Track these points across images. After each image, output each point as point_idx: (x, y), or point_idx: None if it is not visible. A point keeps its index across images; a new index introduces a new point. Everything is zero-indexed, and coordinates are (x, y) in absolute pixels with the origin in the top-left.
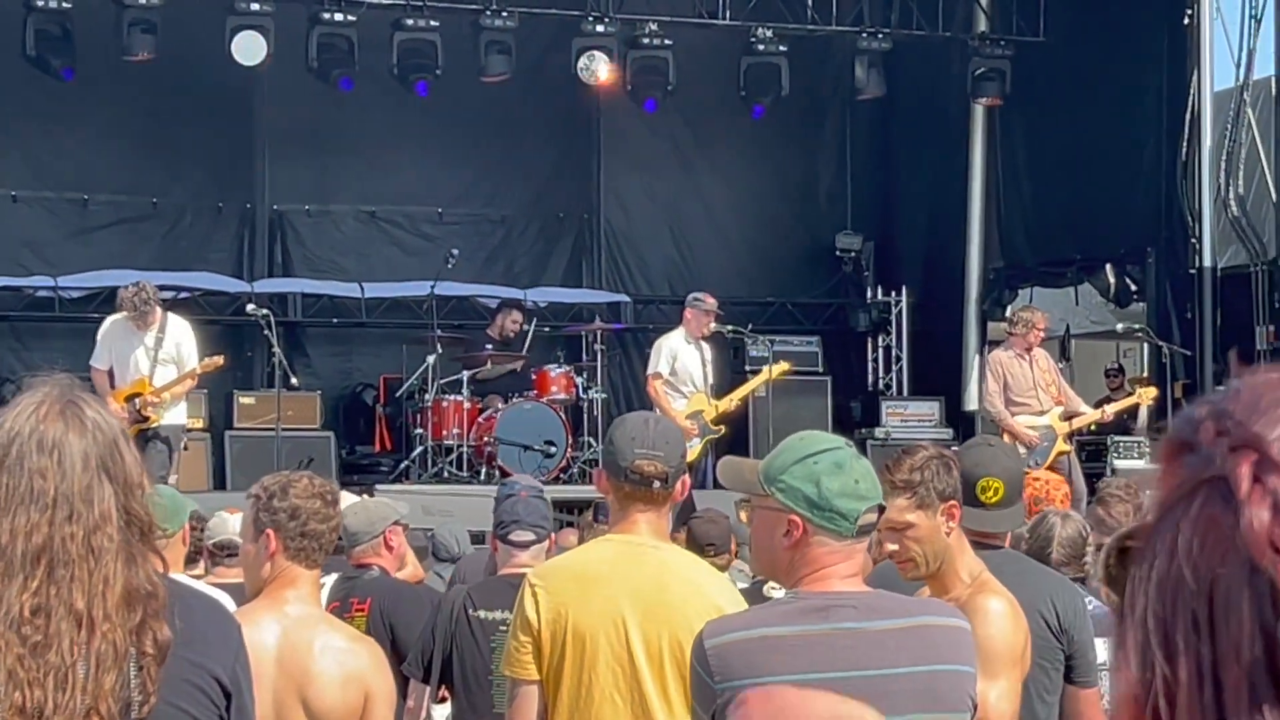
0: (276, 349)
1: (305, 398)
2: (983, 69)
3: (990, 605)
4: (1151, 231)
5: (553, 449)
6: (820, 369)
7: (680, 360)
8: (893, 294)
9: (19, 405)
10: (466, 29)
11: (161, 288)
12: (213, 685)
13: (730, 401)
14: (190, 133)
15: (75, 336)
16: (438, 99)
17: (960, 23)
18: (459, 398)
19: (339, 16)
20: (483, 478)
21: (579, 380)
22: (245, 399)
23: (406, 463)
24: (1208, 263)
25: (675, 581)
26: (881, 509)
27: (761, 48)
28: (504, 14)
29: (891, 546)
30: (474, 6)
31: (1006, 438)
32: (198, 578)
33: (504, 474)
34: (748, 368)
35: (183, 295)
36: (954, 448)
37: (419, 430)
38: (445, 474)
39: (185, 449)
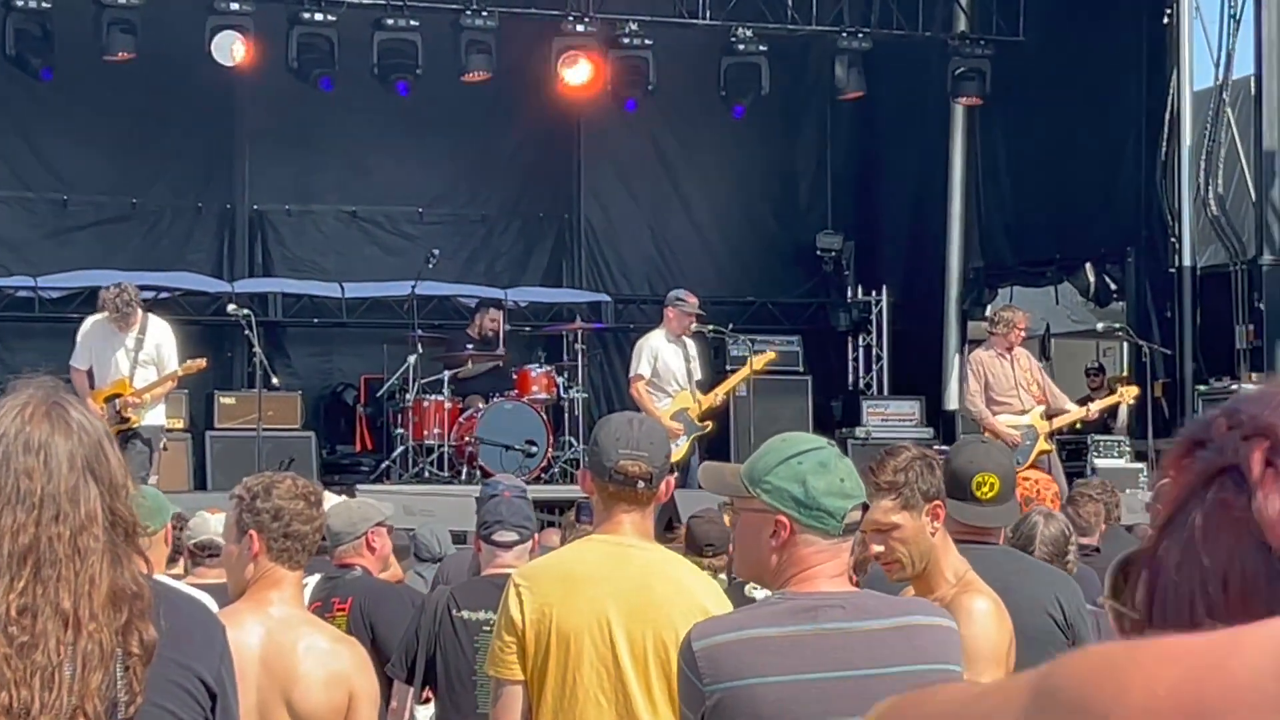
0: (257, 349)
1: (286, 398)
2: (962, 68)
3: (975, 605)
4: (1131, 231)
5: (534, 449)
6: (801, 369)
7: (662, 359)
8: (873, 293)
9: (4, 407)
10: (447, 29)
11: (142, 288)
12: (198, 686)
13: (715, 396)
14: (170, 133)
15: (55, 337)
16: (418, 99)
17: (940, 22)
18: (440, 398)
19: (319, 16)
20: (464, 478)
21: (560, 380)
22: (226, 399)
23: (387, 463)
24: (1187, 262)
25: (660, 582)
26: (865, 507)
27: (742, 47)
28: (484, 14)
29: (877, 548)
30: (454, 6)
31: (988, 437)
32: (177, 578)
33: (485, 474)
34: (728, 367)
35: (163, 295)
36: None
37: (400, 430)
38: (426, 474)
39: (165, 449)
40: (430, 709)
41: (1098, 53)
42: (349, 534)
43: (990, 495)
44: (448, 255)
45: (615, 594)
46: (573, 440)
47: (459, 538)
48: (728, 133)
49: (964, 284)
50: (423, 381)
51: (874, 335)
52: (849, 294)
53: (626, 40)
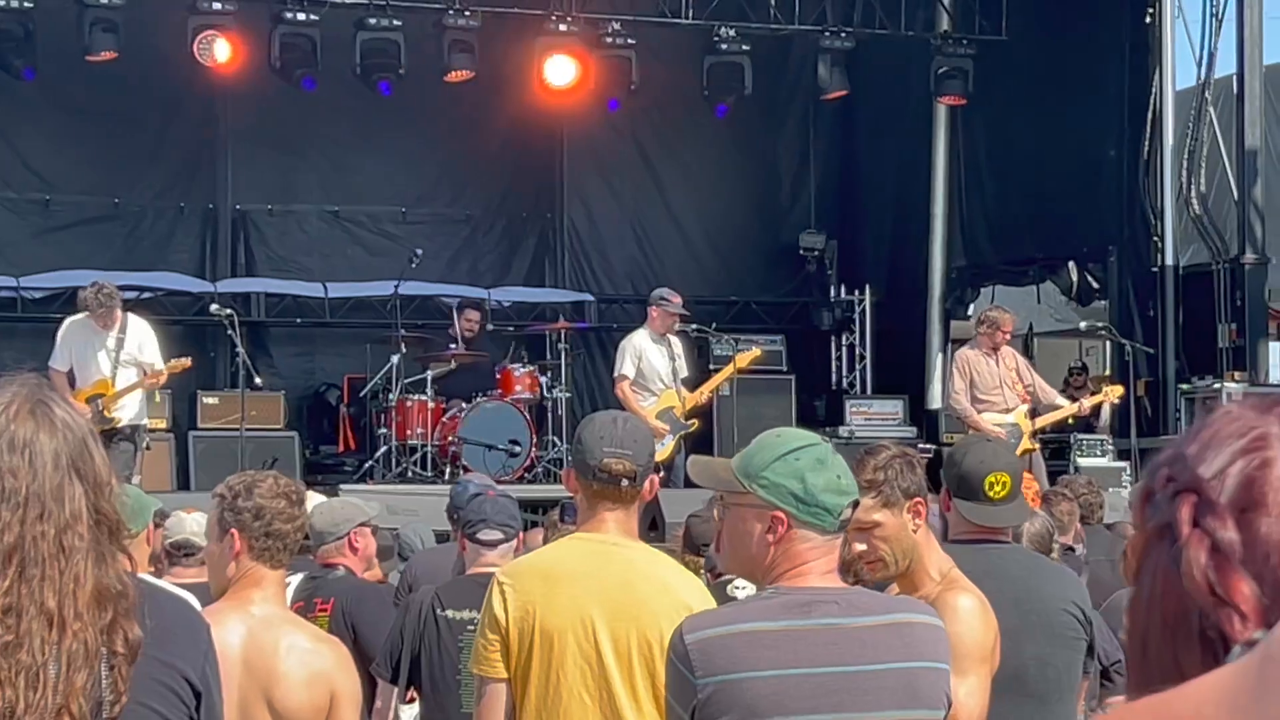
0: (240, 349)
1: (269, 398)
2: (945, 68)
3: (960, 602)
4: (1114, 230)
5: (517, 448)
6: (784, 368)
7: (646, 359)
8: (856, 293)
9: None
10: (429, 28)
11: (124, 288)
12: (183, 685)
13: (701, 395)
14: (152, 133)
15: (38, 337)
16: (401, 99)
17: (923, 22)
18: (423, 397)
19: (301, 16)
20: (447, 477)
21: (543, 379)
22: (209, 399)
23: (371, 462)
24: (1170, 261)
25: (643, 580)
26: (856, 504)
27: (724, 47)
28: (467, 13)
29: (860, 546)
30: (437, 6)
31: (992, 436)
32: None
33: (469, 473)
34: (712, 366)
35: (146, 295)
36: (920, 445)
37: (383, 430)
38: (410, 474)
39: (148, 448)
40: (415, 709)
41: (1080, 52)
42: (332, 534)
43: (1002, 494)
44: (431, 255)
45: (599, 592)
46: (556, 440)
47: (442, 537)
48: (710, 132)
49: (947, 283)
50: (406, 381)
51: (857, 334)
52: (832, 293)
53: (609, 40)
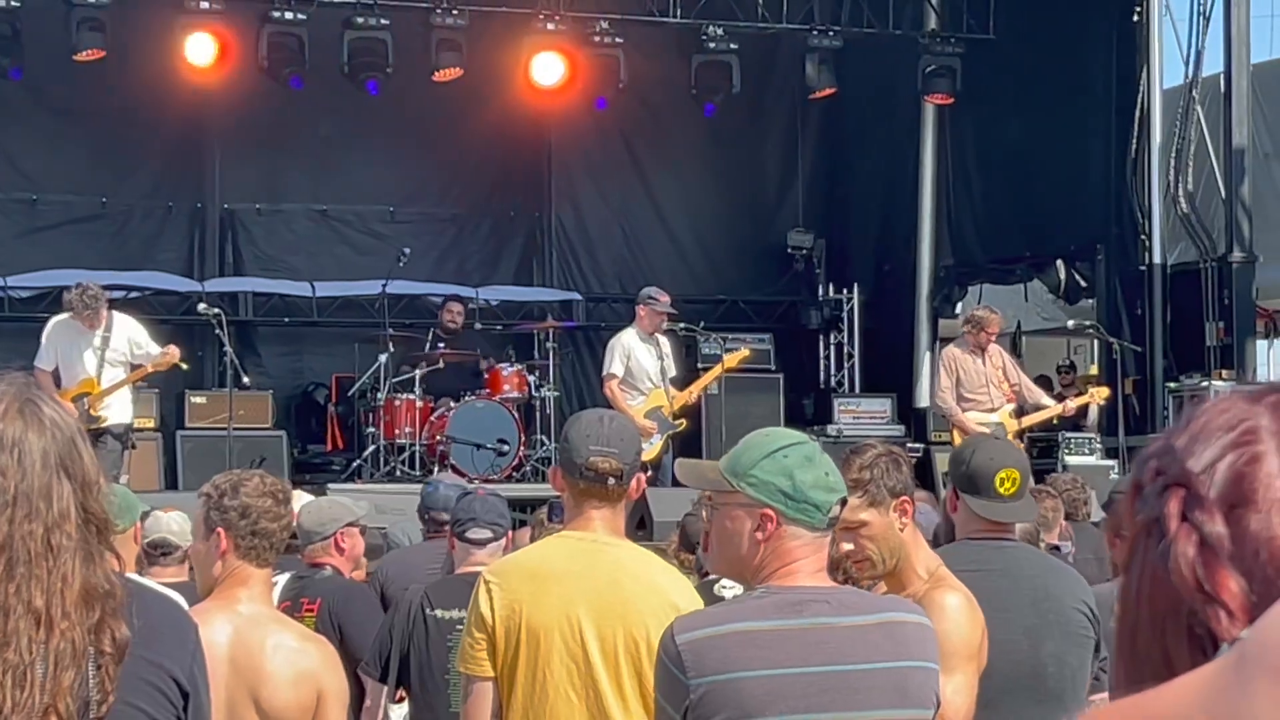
0: (228, 348)
1: (257, 397)
2: (933, 67)
3: (947, 600)
4: (1101, 228)
5: (505, 447)
6: (772, 366)
7: (635, 358)
8: (844, 291)
9: None
10: (417, 27)
11: (111, 287)
12: (170, 684)
13: (690, 394)
14: (140, 132)
15: (24, 336)
16: (389, 98)
17: (910, 21)
18: (411, 396)
19: (289, 15)
20: (435, 476)
21: (531, 379)
22: (197, 398)
23: (359, 462)
24: (1157, 259)
25: (629, 579)
26: (844, 501)
27: (712, 46)
28: (454, 12)
29: (847, 546)
30: (424, 5)
31: (957, 433)
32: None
33: (457, 472)
34: (700, 365)
35: (133, 295)
36: (909, 444)
37: (371, 429)
38: (398, 473)
39: (134, 447)
40: (404, 708)
41: (1068, 51)
42: (318, 533)
43: (1012, 491)
44: (418, 254)
45: (585, 591)
46: (544, 439)
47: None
48: (698, 131)
49: (934, 282)
50: (394, 380)
51: (845, 333)
52: (820, 292)
53: (597, 38)
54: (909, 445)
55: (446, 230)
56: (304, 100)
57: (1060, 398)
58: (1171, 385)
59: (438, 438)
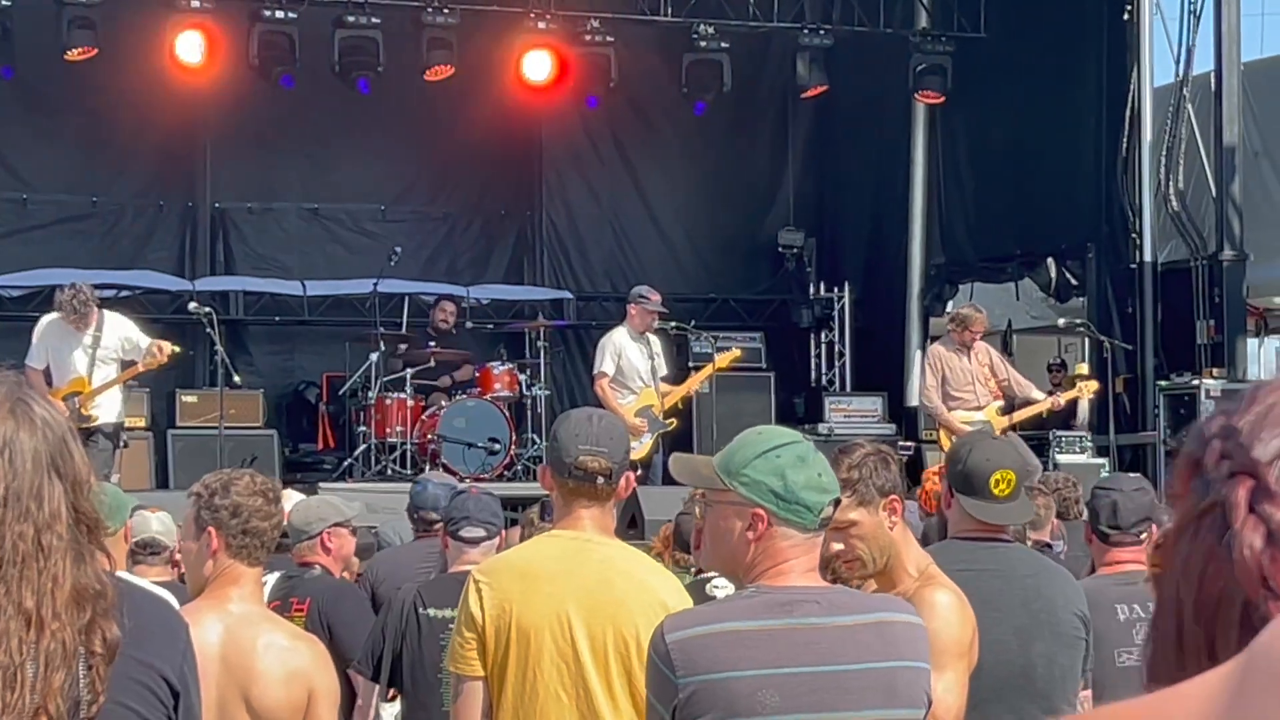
0: (219, 347)
1: (248, 396)
2: (924, 65)
3: (938, 598)
4: (1092, 226)
5: (496, 446)
6: (763, 365)
7: (626, 357)
8: (835, 290)
9: None
10: (408, 26)
11: (102, 287)
12: (161, 684)
13: (680, 393)
14: (131, 131)
15: (15, 336)
16: (379, 96)
17: (901, 19)
18: (402, 395)
19: (280, 14)
20: (424, 475)
21: (522, 377)
22: (188, 397)
23: (350, 460)
24: (1148, 257)
25: (619, 578)
26: (838, 502)
27: (703, 44)
28: (445, 11)
29: (837, 546)
30: (415, 3)
31: (942, 432)
32: None
33: (449, 471)
34: (691, 364)
35: (124, 294)
36: (900, 443)
37: (362, 428)
38: (389, 472)
39: (126, 446)
40: (396, 707)
41: (1058, 49)
42: (305, 532)
43: (1008, 492)
44: (409, 253)
45: (575, 590)
46: (535, 437)
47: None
48: (689, 129)
49: (925, 280)
50: (385, 379)
51: (836, 331)
52: (811, 290)
53: (588, 37)
54: (900, 444)
55: (438, 229)
56: (295, 99)
57: (1051, 395)
58: (1162, 384)
59: (429, 436)
